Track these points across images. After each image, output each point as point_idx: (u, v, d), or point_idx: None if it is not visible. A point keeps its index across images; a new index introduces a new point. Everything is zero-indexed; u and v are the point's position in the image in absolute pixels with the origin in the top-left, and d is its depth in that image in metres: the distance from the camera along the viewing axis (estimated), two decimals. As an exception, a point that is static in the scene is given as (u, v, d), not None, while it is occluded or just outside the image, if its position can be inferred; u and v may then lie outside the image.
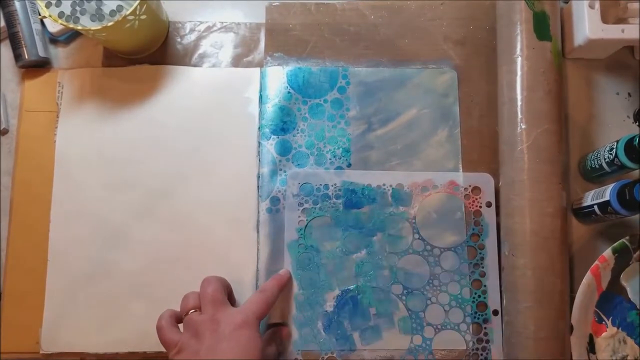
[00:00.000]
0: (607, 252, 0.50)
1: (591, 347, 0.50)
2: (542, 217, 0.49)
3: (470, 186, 0.54)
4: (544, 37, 0.52)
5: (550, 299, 0.48)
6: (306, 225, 0.53)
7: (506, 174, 0.52)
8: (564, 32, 0.56)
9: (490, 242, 0.53)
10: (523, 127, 0.51)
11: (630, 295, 0.51)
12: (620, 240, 0.50)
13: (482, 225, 0.53)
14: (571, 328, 0.49)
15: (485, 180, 0.54)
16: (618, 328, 0.50)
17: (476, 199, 0.54)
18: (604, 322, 0.50)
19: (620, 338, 0.50)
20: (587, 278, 0.49)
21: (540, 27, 0.52)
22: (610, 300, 0.51)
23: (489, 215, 0.53)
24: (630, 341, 0.50)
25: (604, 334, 0.50)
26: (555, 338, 0.47)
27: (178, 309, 0.46)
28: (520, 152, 0.50)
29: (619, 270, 0.51)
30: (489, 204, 0.54)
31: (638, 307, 0.51)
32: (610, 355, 0.50)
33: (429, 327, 0.51)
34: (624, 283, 0.51)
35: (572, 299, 0.49)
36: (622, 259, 0.50)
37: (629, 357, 0.50)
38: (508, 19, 0.53)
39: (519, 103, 0.51)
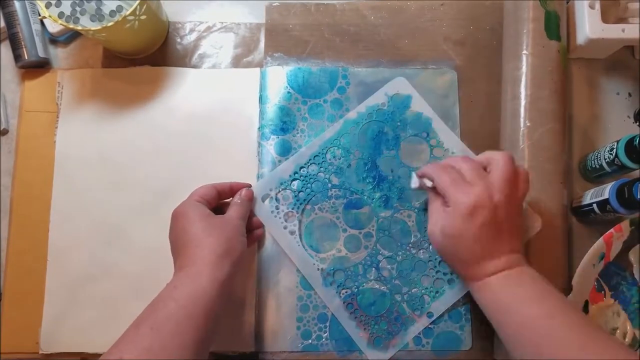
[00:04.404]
0: (624, 223, 0.50)
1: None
2: (541, 215, 0.49)
3: None
4: (553, 36, 0.52)
5: None
6: (306, 225, 0.53)
7: None
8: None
9: None
10: (527, 124, 0.51)
11: (635, 273, 0.51)
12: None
13: None
14: (570, 289, 0.49)
15: None
16: (615, 300, 0.51)
17: None
18: (602, 292, 0.51)
19: (615, 310, 0.51)
20: (598, 244, 0.49)
21: (551, 26, 0.52)
22: (615, 272, 0.51)
23: None
24: (623, 315, 0.50)
25: (600, 303, 0.51)
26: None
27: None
28: (522, 150, 0.50)
29: (630, 245, 0.51)
30: None
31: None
32: (601, 325, 0.50)
33: (429, 328, 0.51)
34: (631, 258, 0.51)
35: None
36: (636, 234, 0.50)
37: (618, 331, 0.50)
38: (516, 16, 0.54)
39: (523, 101, 0.51)
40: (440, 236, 0.45)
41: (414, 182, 0.51)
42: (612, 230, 0.50)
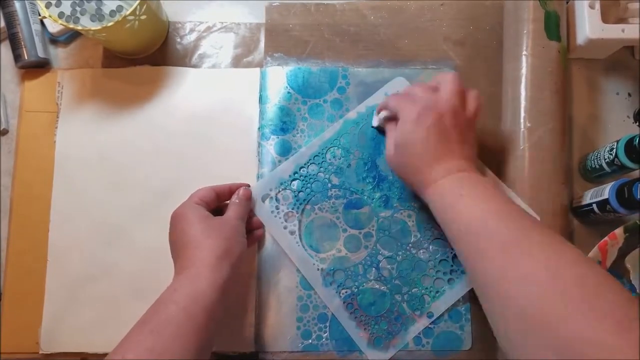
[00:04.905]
0: (619, 230, 0.50)
1: None
2: (542, 215, 0.49)
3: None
4: (553, 36, 0.52)
5: None
6: (306, 225, 0.53)
7: (507, 172, 0.52)
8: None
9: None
10: (528, 125, 0.51)
11: (632, 278, 0.51)
12: (633, 221, 0.50)
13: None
14: None
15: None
16: None
17: None
18: None
19: None
20: (593, 252, 0.49)
21: (551, 26, 0.52)
22: None
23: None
24: None
25: None
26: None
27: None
28: (522, 150, 0.51)
29: (626, 251, 0.51)
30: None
31: (638, 290, 0.51)
32: None
33: (429, 328, 0.51)
34: (628, 265, 0.51)
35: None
36: (631, 240, 0.50)
37: None
38: (516, 16, 0.54)
39: (524, 101, 0.51)
40: (394, 151, 0.48)
41: (375, 120, 0.54)
42: (606, 238, 0.49)
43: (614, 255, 0.51)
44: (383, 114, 0.52)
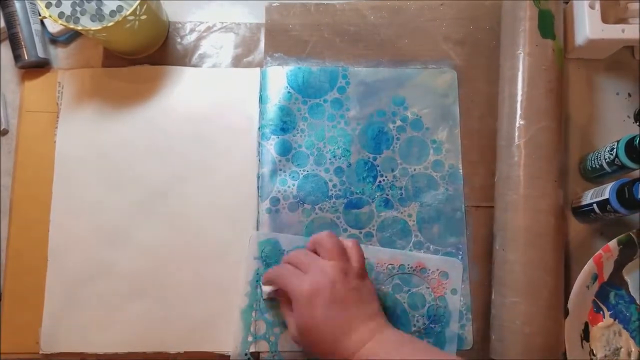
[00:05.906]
0: (612, 243, 0.50)
1: (585, 335, 0.50)
2: (535, 213, 0.49)
3: (437, 270, 0.53)
4: (548, 35, 0.52)
5: (539, 296, 0.47)
6: (306, 225, 0.53)
7: (502, 169, 0.52)
8: (564, 32, 0.57)
9: (450, 332, 0.52)
10: (522, 122, 0.51)
11: (631, 290, 0.51)
12: (626, 233, 0.50)
13: (443, 314, 0.52)
14: (567, 312, 0.49)
15: (453, 266, 0.53)
16: (615, 320, 0.51)
17: (442, 284, 0.53)
18: (601, 312, 0.51)
19: (615, 330, 0.50)
20: (589, 265, 0.49)
21: (545, 25, 0.52)
22: (610, 292, 0.51)
23: (453, 302, 0.52)
24: (625, 334, 0.50)
25: (599, 324, 0.50)
26: (542, 334, 0.47)
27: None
28: (517, 147, 0.50)
29: (622, 263, 0.51)
30: (454, 292, 0.52)
31: (638, 301, 0.51)
32: (603, 345, 0.50)
33: (430, 327, 0.51)
34: (625, 276, 0.51)
35: (567, 296, 0.49)
36: (627, 251, 0.50)
37: (622, 350, 0.50)
38: (513, 15, 0.54)
39: (519, 99, 0.51)
40: (299, 336, 0.44)
41: (265, 293, 0.51)
42: (600, 251, 0.50)
43: (610, 268, 0.51)
44: (269, 288, 0.50)
